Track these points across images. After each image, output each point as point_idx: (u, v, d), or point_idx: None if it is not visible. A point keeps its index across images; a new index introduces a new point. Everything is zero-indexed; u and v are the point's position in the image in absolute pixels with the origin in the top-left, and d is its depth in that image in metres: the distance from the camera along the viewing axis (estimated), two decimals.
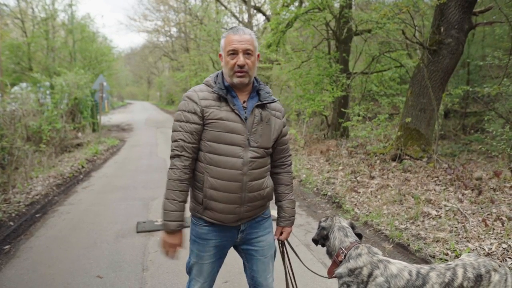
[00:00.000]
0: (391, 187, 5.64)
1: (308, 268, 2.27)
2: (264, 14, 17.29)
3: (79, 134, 12.66)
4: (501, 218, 4.08)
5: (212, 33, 17.96)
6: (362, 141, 8.69)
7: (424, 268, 1.82)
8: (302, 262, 2.22)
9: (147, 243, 4.09)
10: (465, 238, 3.78)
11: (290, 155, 2.07)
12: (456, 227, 4.04)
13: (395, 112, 11.65)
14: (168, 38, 36.26)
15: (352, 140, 9.29)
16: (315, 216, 5.04)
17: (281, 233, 2.06)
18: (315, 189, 6.34)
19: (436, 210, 4.56)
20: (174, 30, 33.87)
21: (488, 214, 4.24)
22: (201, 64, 22.77)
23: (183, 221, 1.80)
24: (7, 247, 4.02)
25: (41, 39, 15.92)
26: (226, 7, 20.77)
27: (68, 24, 17.44)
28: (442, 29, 6.52)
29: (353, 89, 10.79)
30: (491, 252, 3.44)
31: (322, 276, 2.23)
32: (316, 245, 2.15)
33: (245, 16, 19.87)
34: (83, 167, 8.38)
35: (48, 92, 12.13)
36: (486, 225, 3.94)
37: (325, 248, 2.10)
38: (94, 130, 14.67)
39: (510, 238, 3.61)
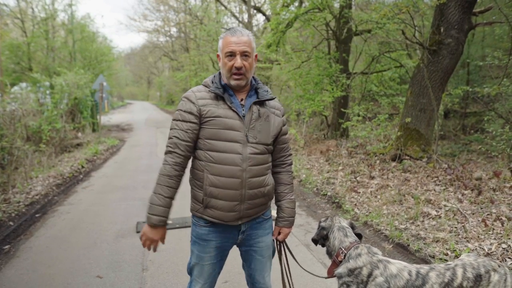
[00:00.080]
0: (391, 187, 5.64)
1: (306, 270, 2.26)
2: (264, 14, 17.28)
3: (79, 134, 12.66)
4: (501, 218, 4.08)
5: (212, 33, 17.97)
6: (362, 141, 8.69)
7: (423, 268, 1.82)
8: (299, 264, 2.21)
9: None
10: (464, 238, 3.78)
11: (291, 154, 2.07)
12: (455, 227, 4.04)
13: (395, 112, 11.65)
14: (168, 38, 36.28)
15: (352, 140, 9.29)
16: (315, 216, 5.04)
17: (279, 234, 2.05)
18: (315, 189, 6.34)
19: (436, 210, 4.56)
20: (174, 30, 33.91)
21: (488, 214, 4.24)
22: (201, 64, 22.78)
23: (166, 217, 1.79)
24: (7, 247, 4.02)
25: (41, 39, 15.91)
26: (226, 7, 20.77)
27: (68, 24, 17.44)
28: (442, 29, 6.52)
29: (353, 89, 10.79)
30: (491, 252, 3.44)
31: (320, 277, 2.23)
32: (316, 245, 2.15)
33: (245, 16, 19.88)
34: (83, 167, 8.38)
35: (48, 92, 12.14)
36: (486, 225, 3.94)
37: (325, 248, 2.10)
38: (94, 130, 14.67)
39: (509, 238, 3.61)
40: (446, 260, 3.41)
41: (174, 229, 4.48)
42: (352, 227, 2.08)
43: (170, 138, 1.81)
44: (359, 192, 5.63)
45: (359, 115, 8.39)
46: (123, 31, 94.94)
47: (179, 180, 1.82)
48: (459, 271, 1.79)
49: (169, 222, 4.62)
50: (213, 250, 1.89)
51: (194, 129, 1.78)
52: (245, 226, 1.90)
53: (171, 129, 1.83)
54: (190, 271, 1.98)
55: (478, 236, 3.76)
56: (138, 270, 3.46)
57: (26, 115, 8.33)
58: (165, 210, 1.77)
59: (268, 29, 15.79)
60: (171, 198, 1.79)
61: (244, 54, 1.77)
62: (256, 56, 1.88)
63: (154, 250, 1.84)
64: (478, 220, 4.12)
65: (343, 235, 1.99)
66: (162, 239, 1.83)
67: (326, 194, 5.92)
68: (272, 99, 1.91)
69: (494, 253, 3.43)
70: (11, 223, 4.75)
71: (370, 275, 1.82)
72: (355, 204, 5.22)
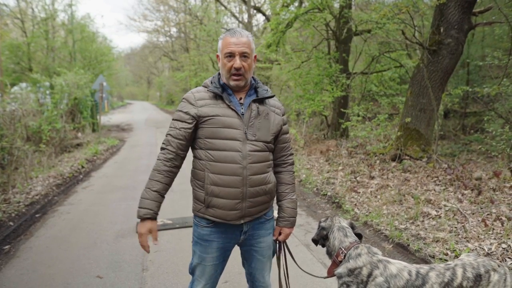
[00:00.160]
0: (391, 187, 5.64)
1: (305, 271, 2.26)
2: (264, 14, 17.27)
3: (79, 134, 12.66)
4: (501, 218, 4.08)
5: (212, 33, 17.97)
6: (362, 141, 8.69)
7: (423, 268, 1.83)
8: (298, 266, 2.21)
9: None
10: (464, 238, 3.78)
11: (292, 154, 2.07)
12: (455, 227, 4.05)
13: (394, 112, 11.65)
14: (168, 38, 36.28)
15: (352, 140, 9.29)
16: (315, 216, 5.04)
17: (280, 234, 2.04)
18: (315, 189, 6.35)
19: (436, 210, 4.56)
20: (174, 30, 33.91)
21: (488, 214, 4.24)
22: (201, 64, 22.79)
23: (153, 211, 1.79)
24: (7, 247, 4.02)
25: (41, 39, 15.91)
26: (226, 7, 20.77)
27: (68, 24, 17.44)
28: (441, 29, 6.52)
29: (353, 89, 10.79)
30: (491, 252, 3.44)
31: (319, 277, 2.24)
32: (316, 245, 2.15)
33: (245, 16, 19.88)
34: (83, 167, 8.38)
35: (48, 92, 12.14)
36: (486, 225, 3.94)
37: (325, 248, 2.10)
38: (94, 130, 14.67)
39: (509, 238, 3.61)
40: (446, 260, 3.41)
41: (174, 229, 4.49)
42: (352, 227, 2.09)
43: (166, 135, 1.87)
44: (359, 192, 5.63)
45: (359, 115, 8.39)
46: (123, 31, 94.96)
47: (169, 175, 1.84)
48: (459, 271, 1.79)
49: (169, 222, 4.64)
50: (215, 251, 1.89)
51: (187, 129, 1.81)
52: (247, 226, 1.91)
53: (169, 127, 1.89)
54: (192, 271, 1.99)
55: (478, 236, 3.76)
56: (138, 270, 3.46)
57: (26, 115, 8.33)
58: (151, 203, 1.79)
59: (268, 29, 15.79)
60: (159, 192, 1.81)
61: (243, 55, 1.78)
62: (255, 57, 1.89)
63: (145, 248, 1.81)
64: (478, 220, 4.12)
65: (343, 235, 2.00)
66: (154, 235, 1.80)
67: (326, 194, 5.92)
68: (271, 97, 1.92)
69: (494, 253, 3.43)
70: (11, 223, 4.75)
71: (370, 275, 1.82)
72: (355, 204, 5.22)
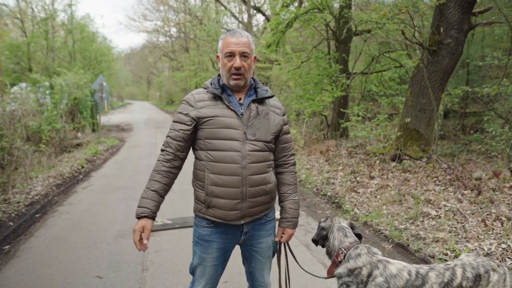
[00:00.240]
0: (390, 187, 5.64)
1: (308, 272, 2.26)
2: (263, 14, 17.28)
3: (79, 134, 12.66)
4: (501, 218, 4.09)
5: (212, 33, 17.97)
6: (362, 141, 8.69)
7: (423, 268, 1.83)
8: (300, 266, 2.21)
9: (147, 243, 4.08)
10: (464, 238, 3.79)
11: (293, 154, 2.07)
12: (455, 227, 4.05)
13: (394, 112, 11.66)
14: (168, 38, 36.28)
15: (352, 140, 9.29)
16: (314, 216, 5.04)
17: (282, 235, 2.04)
18: (314, 189, 6.35)
19: (436, 210, 4.56)
20: (173, 30, 33.91)
21: (488, 214, 4.25)
22: (201, 64, 22.79)
23: (150, 209, 1.79)
24: (7, 247, 4.02)
25: (40, 39, 15.91)
26: (225, 7, 20.77)
27: (67, 24, 17.44)
28: (441, 30, 6.53)
29: (352, 89, 10.80)
30: (491, 252, 3.44)
31: (320, 277, 2.24)
32: (316, 245, 2.15)
33: (245, 16, 19.88)
34: (82, 167, 8.38)
35: (47, 92, 12.14)
36: (486, 225, 3.94)
37: (324, 249, 2.10)
38: (93, 130, 14.67)
39: (509, 238, 3.61)
40: (446, 260, 3.41)
41: (174, 229, 4.49)
42: (352, 227, 2.09)
43: (166, 137, 1.90)
44: (359, 192, 5.64)
45: (358, 115, 8.39)
46: (123, 31, 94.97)
47: (168, 176, 1.85)
48: (459, 271, 1.79)
49: (169, 222, 4.64)
50: (216, 251, 1.90)
51: (186, 130, 1.83)
52: (248, 227, 1.91)
53: (169, 129, 1.91)
54: (192, 272, 1.99)
55: (478, 236, 3.77)
56: (138, 270, 3.46)
57: (26, 115, 8.33)
58: (149, 202, 1.81)
59: (268, 29, 15.80)
60: (157, 191, 1.82)
61: (243, 55, 1.80)
62: (255, 57, 1.91)
63: (136, 245, 1.78)
64: (478, 220, 4.12)
65: (343, 235, 2.00)
66: (145, 234, 1.77)
67: (326, 194, 5.93)
68: (271, 97, 1.93)
69: (494, 253, 3.43)
70: (11, 223, 4.75)
71: (369, 275, 1.82)
72: (355, 204, 5.23)
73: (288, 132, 2.02)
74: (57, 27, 17.65)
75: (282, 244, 2.11)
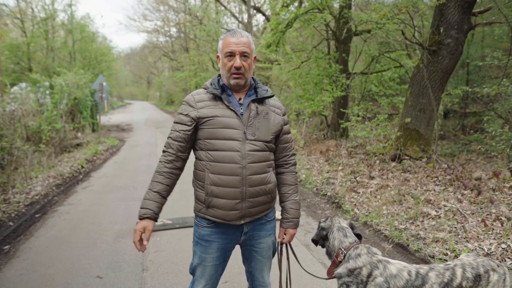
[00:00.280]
0: (390, 187, 5.64)
1: (308, 272, 2.27)
2: (263, 14, 17.28)
3: (79, 134, 12.66)
4: (500, 218, 4.09)
5: (212, 33, 17.97)
6: (362, 141, 8.69)
7: (423, 268, 1.83)
8: (302, 267, 2.22)
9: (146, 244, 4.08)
10: (464, 238, 3.79)
11: (294, 154, 2.07)
12: (455, 227, 4.05)
13: (394, 112, 11.66)
14: (167, 38, 36.28)
15: (352, 140, 9.29)
16: (314, 216, 5.04)
17: (284, 236, 2.04)
18: (314, 189, 6.35)
19: (436, 210, 4.56)
20: (173, 30, 33.91)
21: (488, 214, 4.25)
22: (201, 64, 22.79)
23: (152, 211, 1.81)
24: (6, 247, 4.02)
25: (40, 39, 15.91)
26: (225, 7, 20.77)
27: (67, 24, 17.45)
28: (441, 30, 6.53)
29: (352, 89, 10.79)
30: (490, 252, 3.44)
31: (321, 278, 2.24)
32: (316, 245, 2.15)
33: (245, 16, 19.88)
34: (82, 167, 8.38)
35: (47, 92, 12.14)
36: (486, 225, 3.94)
37: (324, 249, 2.10)
38: (93, 130, 14.67)
39: (509, 238, 3.62)
40: (446, 260, 3.41)
41: (174, 229, 4.49)
42: (352, 227, 2.09)
43: (167, 138, 1.91)
44: (359, 192, 5.64)
45: (358, 115, 8.39)
46: (123, 31, 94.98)
47: (170, 177, 1.86)
48: (459, 271, 1.79)
49: (169, 222, 4.64)
50: (216, 251, 1.90)
51: (187, 131, 1.84)
52: (248, 227, 1.91)
53: (170, 130, 1.91)
54: (192, 272, 1.99)
55: (478, 236, 3.77)
56: (138, 271, 3.46)
57: (26, 115, 8.33)
58: (151, 203, 1.82)
59: (268, 29, 15.80)
60: (159, 193, 1.83)
61: (243, 55, 1.80)
62: (255, 57, 1.91)
63: (136, 245, 1.79)
64: (478, 220, 4.12)
65: (343, 235, 2.00)
66: (146, 235, 1.78)
67: (326, 194, 5.93)
68: (271, 96, 1.93)
69: (494, 253, 3.43)
70: (11, 223, 4.75)
71: (369, 275, 1.82)
72: (355, 204, 5.23)
73: (289, 132, 2.02)
74: (57, 27, 17.65)
75: (283, 246, 2.10)
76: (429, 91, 6.59)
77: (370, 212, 4.82)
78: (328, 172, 7.13)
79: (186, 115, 1.84)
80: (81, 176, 7.63)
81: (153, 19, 46.72)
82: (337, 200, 5.49)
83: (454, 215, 4.37)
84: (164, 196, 1.85)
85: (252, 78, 1.94)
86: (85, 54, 17.75)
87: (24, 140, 7.89)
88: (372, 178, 6.25)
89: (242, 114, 1.82)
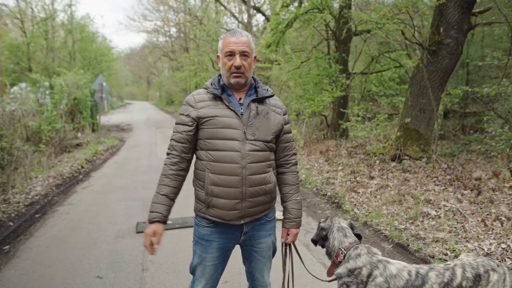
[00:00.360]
0: (390, 187, 5.65)
1: (311, 273, 2.27)
2: (263, 14, 17.29)
3: (79, 134, 12.65)
4: (500, 218, 4.09)
5: (212, 33, 17.97)
6: (362, 141, 8.69)
7: (423, 268, 1.83)
8: (305, 267, 2.22)
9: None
10: (464, 238, 3.79)
11: (295, 154, 2.07)
12: (455, 227, 4.05)
13: (394, 112, 11.66)
14: (167, 38, 36.29)
15: (352, 140, 9.30)
16: (314, 216, 5.04)
17: (287, 236, 2.04)
18: (314, 189, 6.35)
19: (436, 210, 4.57)
20: (173, 30, 33.94)
21: (487, 214, 4.25)
22: (201, 64, 22.79)
23: (161, 214, 1.82)
24: (6, 247, 4.02)
25: (40, 39, 15.91)
26: (225, 7, 20.78)
27: (67, 24, 17.45)
28: (441, 30, 6.53)
29: (352, 89, 10.80)
30: (490, 252, 3.45)
31: (323, 280, 2.23)
32: (316, 245, 2.15)
33: (245, 16, 19.87)
34: (82, 167, 8.38)
35: (47, 92, 12.13)
36: (485, 225, 3.95)
37: (324, 249, 2.10)
38: (93, 130, 14.66)
39: (509, 238, 3.62)
40: (446, 260, 3.41)
41: (174, 229, 4.49)
42: (352, 227, 2.09)
43: (170, 140, 1.91)
44: (359, 192, 5.64)
45: (358, 115, 8.39)
46: (123, 31, 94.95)
47: (176, 179, 1.87)
48: (459, 271, 1.79)
49: (169, 222, 4.64)
50: (216, 251, 1.90)
51: (189, 131, 1.84)
52: (248, 227, 1.91)
53: (172, 132, 1.91)
54: (192, 271, 2.00)
55: (478, 236, 3.77)
56: (138, 271, 3.47)
57: (26, 115, 8.32)
58: (160, 206, 1.83)
59: (268, 29, 15.80)
60: (167, 195, 1.84)
61: (243, 54, 1.80)
62: (255, 57, 1.91)
63: (147, 249, 1.84)
64: (478, 220, 4.13)
65: (343, 235, 2.00)
66: (157, 238, 1.83)
67: (326, 194, 5.93)
68: (271, 96, 1.93)
69: (494, 253, 3.43)
70: (11, 223, 4.75)
71: (369, 275, 1.82)
72: (355, 204, 5.23)
73: (290, 132, 2.01)
74: (57, 27, 17.65)
75: (287, 247, 2.09)
76: (429, 91, 6.60)
77: (370, 212, 4.82)
78: (328, 172, 7.13)
79: (187, 115, 1.85)
80: (81, 176, 7.63)
81: (153, 19, 46.82)
82: (337, 200, 5.50)
83: (454, 215, 4.37)
84: (171, 198, 1.86)
85: (253, 77, 1.94)
86: (85, 54, 17.76)
87: (24, 140, 7.89)
88: (372, 178, 6.25)
89: (242, 114, 1.82)
